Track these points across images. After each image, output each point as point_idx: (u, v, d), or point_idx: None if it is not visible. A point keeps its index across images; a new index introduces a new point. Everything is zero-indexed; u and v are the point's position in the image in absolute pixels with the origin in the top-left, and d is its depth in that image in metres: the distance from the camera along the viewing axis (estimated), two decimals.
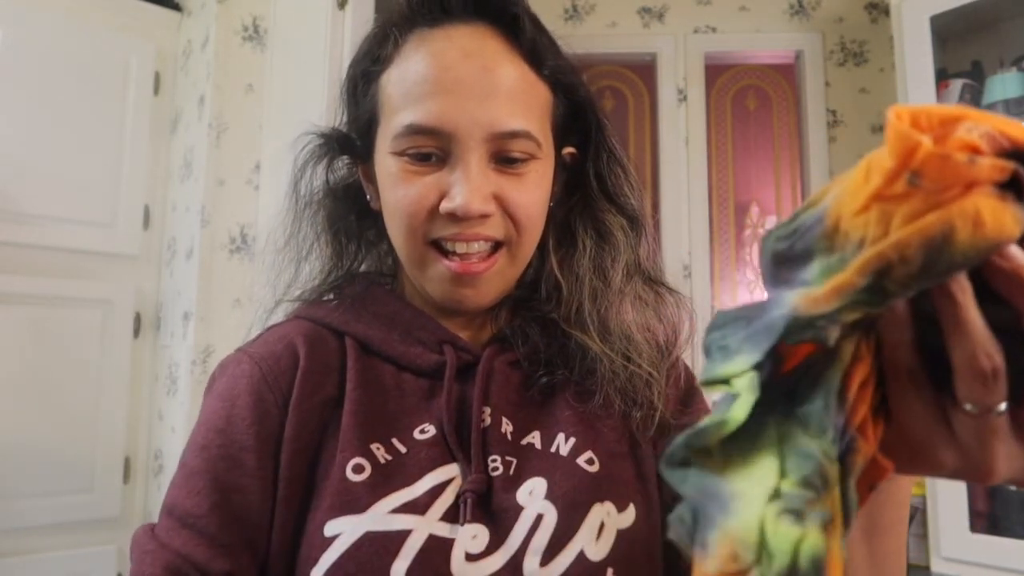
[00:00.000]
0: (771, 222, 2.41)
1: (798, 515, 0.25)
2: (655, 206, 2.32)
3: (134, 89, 2.09)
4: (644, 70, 2.41)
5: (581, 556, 0.53)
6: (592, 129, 0.65)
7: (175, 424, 1.91)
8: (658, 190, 2.37)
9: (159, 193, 2.14)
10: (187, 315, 1.90)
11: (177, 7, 2.19)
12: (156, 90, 2.14)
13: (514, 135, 0.56)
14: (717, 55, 2.44)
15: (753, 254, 2.40)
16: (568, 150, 0.65)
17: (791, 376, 0.28)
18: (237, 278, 1.91)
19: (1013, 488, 1.67)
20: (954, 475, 0.30)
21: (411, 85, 0.57)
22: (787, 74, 2.46)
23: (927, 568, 1.62)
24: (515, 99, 0.57)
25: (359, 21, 1.69)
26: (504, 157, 0.57)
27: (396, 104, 0.57)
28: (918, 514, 1.71)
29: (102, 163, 2.03)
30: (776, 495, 0.26)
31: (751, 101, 2.46)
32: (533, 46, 0.59)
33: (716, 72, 2.45)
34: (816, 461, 0.26)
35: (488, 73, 0.56)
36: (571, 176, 0.66)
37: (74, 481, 1.92)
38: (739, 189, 2.43)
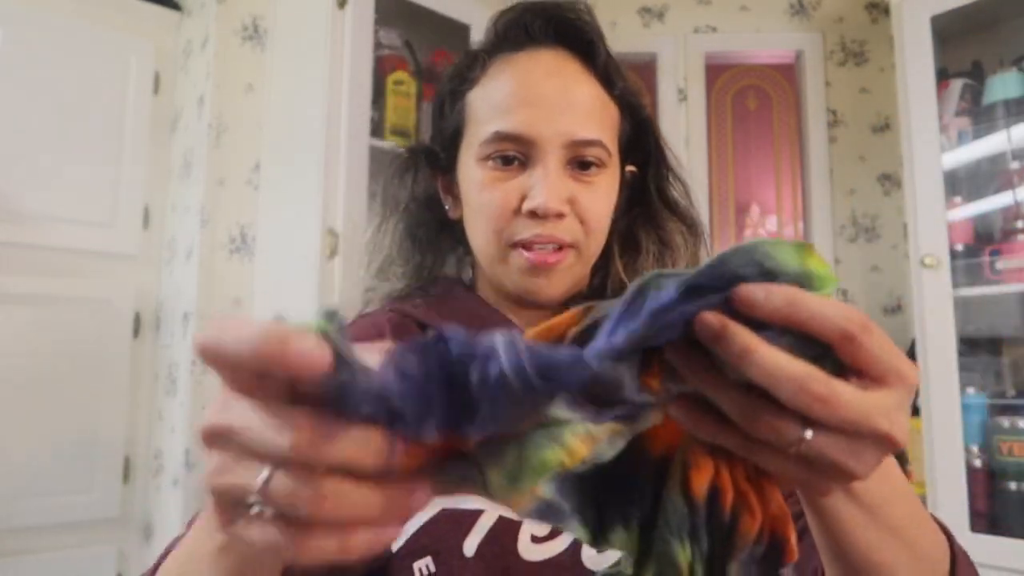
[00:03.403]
0: (771, 222, 2.41)
1: None
2: None
3: (134, 89, 2.09)
4: (644, 70, 2.41)
5: None
6: (652, 147, 0.72)
7: (175, 424, 1.91)
8: None
9: (159, 193, 2.13)
10: (187, 315, 1.90)
11: (177, 7, 2.19)
12: (156, 90, 2.14)
13: (589, 143, 0.63)
14: (717, 55, 2.44)
15: None
16: (629, 168, 0.72)
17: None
18: (237, 278, 1.91)
19: (1013, 487, 1.67)
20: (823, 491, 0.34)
21: (498, 99, 0.64)
22: (787, 74, 2.45)
23: None
24: (590, 114, 0.64)
25: (359, 21, 1.69)
26: (579, 162, 0.64)
27: (483, 116, 0.65)
28: None
29: (102, 163, 2.03)
30: None
31: (751, 101, 2.46)
32: (606, 69, 0.67)
33: (716, 72, 2.45)
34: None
35: (567, 90, 0.63)
36: (632, 192, 0.73)
37: (74, 481, 1.92)
38: (739, 189, 2.43)
